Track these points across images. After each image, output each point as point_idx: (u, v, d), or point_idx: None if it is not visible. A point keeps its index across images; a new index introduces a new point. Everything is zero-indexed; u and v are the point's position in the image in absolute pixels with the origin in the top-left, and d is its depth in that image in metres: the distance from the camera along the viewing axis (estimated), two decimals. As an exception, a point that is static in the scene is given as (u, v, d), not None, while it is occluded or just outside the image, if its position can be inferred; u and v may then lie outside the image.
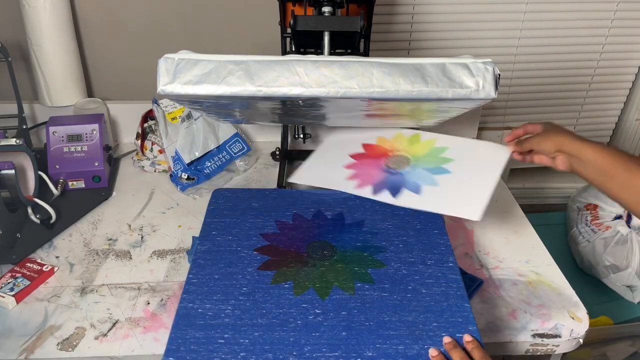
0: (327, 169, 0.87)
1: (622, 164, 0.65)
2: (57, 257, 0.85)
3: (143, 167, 1.08)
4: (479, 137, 1.26)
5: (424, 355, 0.55)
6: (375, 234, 0.73)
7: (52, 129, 0.99)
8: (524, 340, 0.70)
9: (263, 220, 0.75)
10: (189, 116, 1.07)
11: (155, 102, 1.07)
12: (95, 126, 1.00)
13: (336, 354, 0.55)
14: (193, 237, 0.88)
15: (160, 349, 0.68)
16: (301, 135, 1.07)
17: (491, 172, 0.77)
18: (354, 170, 0.85)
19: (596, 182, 0.69)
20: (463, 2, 1.16)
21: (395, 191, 0.78)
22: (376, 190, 0.80)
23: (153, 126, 1.09)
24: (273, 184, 1.03)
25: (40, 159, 0.96)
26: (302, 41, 0.82)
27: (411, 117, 0.83)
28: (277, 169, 1.07)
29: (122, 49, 1.15)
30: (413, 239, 0.72)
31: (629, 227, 1.16)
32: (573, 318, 0.73)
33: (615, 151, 0.67)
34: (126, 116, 1.16)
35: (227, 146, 1.08)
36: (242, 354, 0.55)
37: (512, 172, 1.46)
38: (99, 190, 1.00)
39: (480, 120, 1.25)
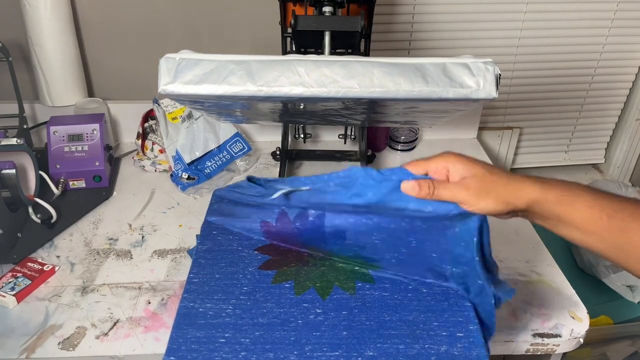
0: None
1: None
2: (57, 256, 0.85)
3: (144, 166, 1.08)
4: (479, 137, 1.26)
5: (425, 355, 0.55)
6: (363, 247, 0.65)
7: (52, 128, 0.99)
8: (524, 340, 0.70)
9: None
10: (189, 116, 1.07)
11: (155, 101, 1.07)
12: (96, 126, 1.00)
13: (337, 353, 0.55)
14: (197, 235, 0.88)
15: (161, 349, 0.68)
16: (301, 135, 1.07)
17: None
18: None
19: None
20: (463, 2, 1.16)
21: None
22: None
23: (154, 126, 1.09)
24: (273, 184, 1.03)
25: (41, 159, 0.96)
26: (302, 41, 0.82)
27: (410, 117, 0.83)
28: (278, 169, 1.07)
29: (123, 48, 1.15)
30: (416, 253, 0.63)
31: (629, 227, 1.16)
32: (573, 318, 0.73)
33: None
34: (127, 116, 1.16)
35: (227, 146, 1.08)
36: (242, 353, 0.55)
37: (512, 172, 1.46)
38: (100, 190, 1.00)
39: (480, 120, 1.25)
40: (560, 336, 0.71)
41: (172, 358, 0.54)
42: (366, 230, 0.63)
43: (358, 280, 0.65)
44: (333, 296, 0.62)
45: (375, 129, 1.13)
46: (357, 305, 0.61)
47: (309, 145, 1.18)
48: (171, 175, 1.04)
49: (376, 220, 0.61)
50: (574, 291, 0.78)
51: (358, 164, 1.12)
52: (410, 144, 1.19)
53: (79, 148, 0.99)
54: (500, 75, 0.60)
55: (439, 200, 0.53)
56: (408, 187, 0.53)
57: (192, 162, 1.04)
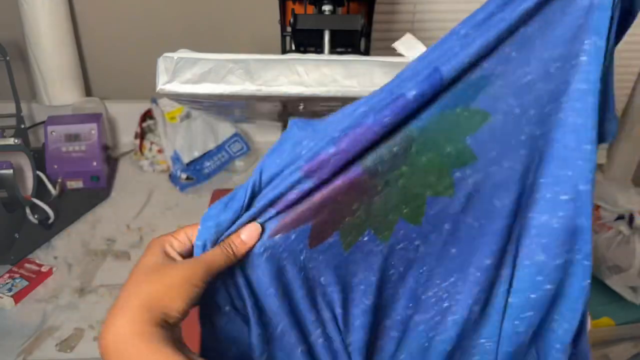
0: None
1: None
2: (55, 257, 0.84)
3: (142, 167, 1.08)
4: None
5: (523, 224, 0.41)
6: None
7: (50, 128, 0.98)
8: (526, 342, 0.70)
9: None
10: (188, 115, 1.06)
11: (154, 101, 1.06)
12: (94, 125, 0.99)
13: (452, 279, 0.42)
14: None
15: (159, 351, 0.67)
16: (301, 135, 1.06)
17: None
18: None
19: None
20: (465, 1, 1.16)
21: None
22: None
23: (152, 126, 1.09)
24: (273, 184, 1.03)
25: (39, 159, 0.96)
26: (302, 40, 0.81)
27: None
28: (277, 169, 1.07)
29: (121, 47, 1.14)
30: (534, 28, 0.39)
31: (631, 227, 1.16)
32: (575, 319, 0.72)
33: None
34: (125, 115, 1.15)
35: (226, 146, 1.08)
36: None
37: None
38: (98, 190, 1.00)
39: (481, 120, 1.24)
40: (562, 338, 0.70)
41: None
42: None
43: (455, 167, 0.40)
44: (429, 212, 0.41)
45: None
46: (460, 205, 0.41)
47: (308, 145, 1.17)
48: (170, 176, 1.04)
49: None
50: (575, 292, 0.77)
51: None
52: (411, 144, 1.18)
53: (77, 148, 0.99)
54: (502, 74, 0.60)
55: None
56: None
57: (191, 162, 1.04)
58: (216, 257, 0.36)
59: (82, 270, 0.81)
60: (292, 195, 0.39)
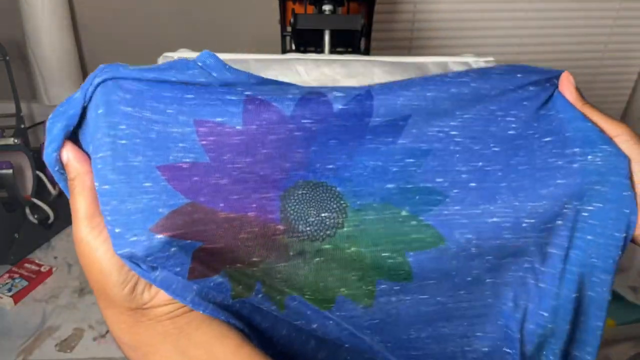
0: None
1: None
2: (55, 257, 0.84)
3: (142, 166, 1.08)
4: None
5: None
6: (425, 152, 0.31)
7: (50, 128, 0.98)
8: (526, 342, 0.70)
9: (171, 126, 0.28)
10: (188, 115, 1.06)
11: (154, 101, 1.06)
12: (94, 125, 0.99)
13: None
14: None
15: (159, 351, 0.67)
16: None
17: None
18: None
19: None
20: (465, 1, 1.16)
21: None
22: None
23: (152, 125, 1.09)
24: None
25: (39, 159, 0.96)
26: (302, 40, 0.81)
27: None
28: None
29: (121, 47, 1.14)
30: (500, 164, 0.32)
31: (631, 227, 1.16)
32: (576, 319, 0.72)
33: None
34: (125, 115, 1.15)
35: (226, 146, 1.08)
36: None
37: None
38: (98, 190, 0.99)
39: (481, 120, 1.24)
40: (562, 338, 0.70)
41: None
42: (443, 110, 0.31)
43: (384, 278, 0.32)
44: (335, 312, 0.33)
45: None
46: (372, 323, 0.33)
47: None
48: (170, 175, 1.04)
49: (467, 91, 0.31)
50: (576, 292, 0.77)
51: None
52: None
53: (77, 148, 0.99)
54: (502, 74, 0.60)
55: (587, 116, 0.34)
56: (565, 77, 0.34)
57: (191, 162, 1.04)
58: (76, 205, 0.28)
59: (81, 270, 0.81)
60: (183, 164, 0.27)
